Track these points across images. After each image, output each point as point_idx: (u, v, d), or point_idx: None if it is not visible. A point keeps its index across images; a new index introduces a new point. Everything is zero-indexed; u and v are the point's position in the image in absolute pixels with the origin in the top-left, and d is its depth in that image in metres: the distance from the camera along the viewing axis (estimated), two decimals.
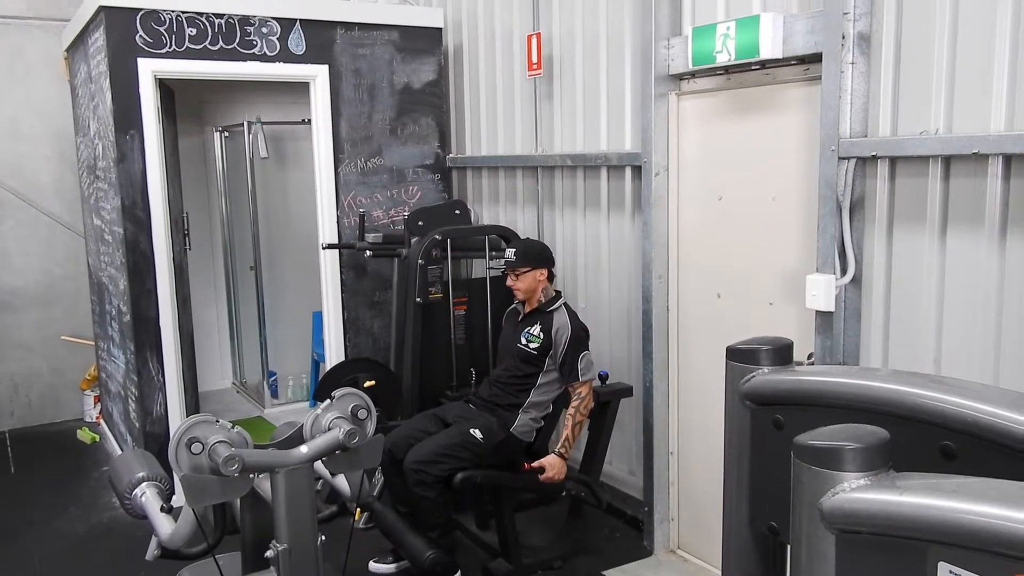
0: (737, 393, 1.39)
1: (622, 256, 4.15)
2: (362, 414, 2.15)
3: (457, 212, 4.42)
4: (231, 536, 2.30)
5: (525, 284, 3.65)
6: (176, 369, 4.52)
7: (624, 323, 4.20)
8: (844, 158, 2.96)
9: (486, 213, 5.13)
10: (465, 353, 4.28)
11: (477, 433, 3.48)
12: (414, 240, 4.26)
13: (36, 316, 5.96)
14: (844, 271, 3.03)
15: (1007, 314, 2.62)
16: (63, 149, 5.86)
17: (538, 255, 3.69)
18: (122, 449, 5.06)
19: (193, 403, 5.23)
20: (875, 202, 2.96)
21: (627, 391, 3.96)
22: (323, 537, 2.08)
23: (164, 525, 2.15)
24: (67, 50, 5.38)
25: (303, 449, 1.97)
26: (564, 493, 3.78)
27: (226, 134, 6.04)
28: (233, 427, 2.01)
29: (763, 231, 3.43)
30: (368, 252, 4.48)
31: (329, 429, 2.11)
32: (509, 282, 3.69)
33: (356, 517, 3.78)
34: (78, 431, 5.78)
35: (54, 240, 5.96)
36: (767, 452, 1.11)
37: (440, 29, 5.03)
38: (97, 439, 5.68)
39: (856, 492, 0.89)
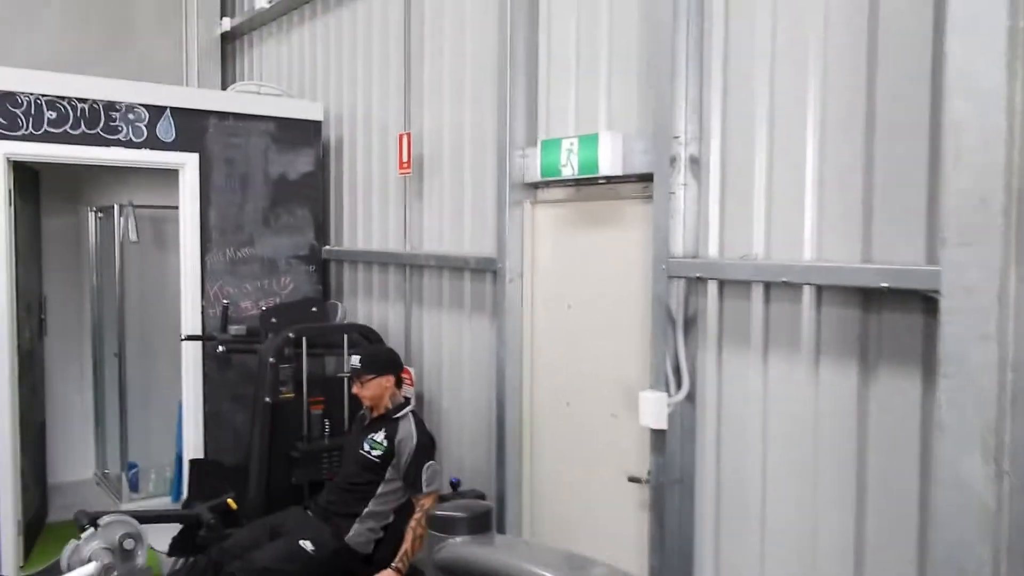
0: (432, 564, 1.33)
1: (482, 358, 4.11)
2: (129, 544, 2.01)
3: (314, 309, 4.34)
4: None
5: (371, 392, 3.57)
6: (12, 466, 4.24)
7: (484, 427, 4.13)
8: (674, 277, 3.01)
9: (360, 307, 5.06)
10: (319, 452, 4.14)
11: (308, 545, 3.33)
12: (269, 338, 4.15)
13: None
14: (679, 387, 3.05)
15: (821, 440, 2.65)
16: None
17: (384, 362, 3.63)
18: None
19: (35, 499, 4.92)
20: (706, 321, 3.01)
21: (479, 498, 3.84)
22: None
23: None
24: None
25: None
26: None
27: (100, 215, 5.87)
28: None
29: (607, 342, 3.44)
30: (220, 348, 4.35)
31: (90, 560, 1.97)
32: (355, 389, 3.61)
33: None
34: None
35: None
36: None
37: (320, 122, 5.04)
38: None
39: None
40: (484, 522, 1.33)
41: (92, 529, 2.00)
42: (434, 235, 4.39)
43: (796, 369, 2.71)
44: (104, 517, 2.02)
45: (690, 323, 3.04)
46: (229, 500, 3.71)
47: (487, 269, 3.95)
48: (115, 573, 1.87)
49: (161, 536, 4.02)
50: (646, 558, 3.16)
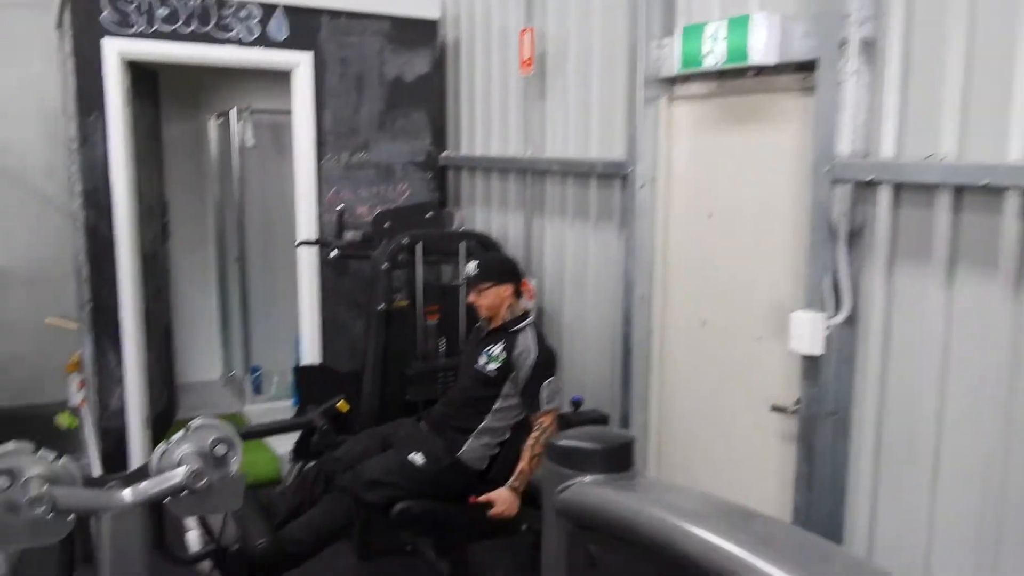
0: (552, 504, 1.04)
1: (608, 271, 3.80)
2: (220, 450, 1.85)
3: (429, 214, 4.10)
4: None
5: (488, 301, 3.32)
6: (137, 362, 4.30)
7: (608, 344, 3.85)
8: (839, 181, 2.57)
9: (479, 216, 4.81)
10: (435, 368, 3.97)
11: (418, 458, 3.17)
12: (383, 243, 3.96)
13: (23, 297, 5.82)
14: (838, 309, 2.65)
15: (1020, 376, 2.22)
16: (56, 129, 5.69)
17: (502, 270, 3.36)
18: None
19: (164, 397, 5.03)
20: (875, 233, 2.58)
21: (602, 420, 3.60)
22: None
23: None
24: (57, 27, 5.21)
25: (126, 493, 1.68)
26: (525, 527, 3.44)
27: (220, 119, 5.81)
28: (59, 458, 1.73)
29: (753, 256, 3.05)
30: (333, 252, 4.19)
31: (180, 465, 1.82)
32: (471, 298, 3.37)
33: None
34: (57, 416, 5.61)
35: (45, 220, 5.80)
36: None
37: (436, 21, 4.73)
38: (75, 425, 5.50)
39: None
40: (624, 457, 1.02)
41: (182, 433, 1.83)
42: (558, 138, 4.05)
43: (990, 291, 2.27)
44: (195, 420, 1.85)
45: (855, 235, 2.62)
46: (340, 403, 3.59)
47: (616, 174, 3.60)
48: (205, 479, 1.69)
49: (285, 440, 4.01)
50: (790, 495, 2.83)
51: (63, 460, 1.73)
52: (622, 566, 0.81)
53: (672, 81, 3.30)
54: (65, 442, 5.27)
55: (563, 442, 1.01)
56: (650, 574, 0.80)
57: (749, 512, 0.97)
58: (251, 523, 2.89)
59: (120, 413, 4.27)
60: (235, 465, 1.88)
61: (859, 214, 2.61)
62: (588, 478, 0.98)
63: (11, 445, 1.70)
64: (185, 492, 1.78)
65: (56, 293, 5.84)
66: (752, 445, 3.09)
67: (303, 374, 4.15)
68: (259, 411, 5.54)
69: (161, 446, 1.85)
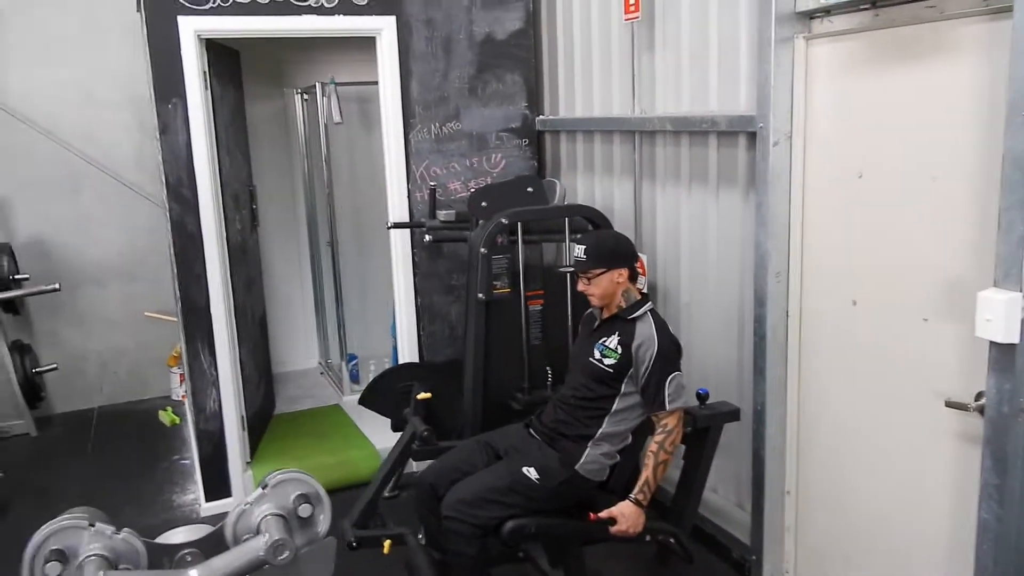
0: None
1: (732, 244, 3.35)
2: (305, 510, 1.54)
3: (530, 189, 3.70)
4: None
5: (600, 289, 2.91)
6: (231, 362, 4.11)
7: (735, 328, 3.41)
8: None
9: (580, 185, 4.40)
10: (540, 357, 3.62)
11: (532, 473, 2.82)
12: (480, 225, 3.60)
13: (120, 291, 5.79)
14: None
15: None
16: (143, 116, 5.57)
17: (614, 252, 2.94)
18: None
19: (260, 391, 4.87)
20: None
21: (733, 414, 3.18)
22: None
23: None
24: (138, 9, 5.02)
25: (192, 574, 1.39)
26: (648, 539, 3.07)
27: (305, 97, 5.55)
28: (119, 531, 1.45)
29: (918, 222, 2.55)
30: (428, 237, 3.87)
31: (259, 531, 1.52)
32: (581, 287, 2.97)
33: (385, 549, 3.21)
34: (160, 412, 5.58)
35: (136, 211, 5.72)
36: None
37: None
38: (178, 421, 5.45)
39: None
40: None
41: (261, 490, 1.52)
42: (669, 93, 3.58)
43: None
44: (274, 474, 1.54)
45: None
46: (421, 394, 3.32)
47: (741, 131, 3.12)
48: (287, 552, 1.38)
49: (385, 436, 3.77)
50: (972, 508, 2.36)
51: (123, 533, 1.46)
52: None
53: (810, 15, 2.79)
54: (170, 439, 5.22)
55: None
56: None
57: None
58: None
59: (217, 415, 4.10)
60: (323, 525, 1.58)
61: None
62: None
63: (66, 518, 1.43)
64: (266, 566, 1.48)
65: (154, 285, 5.78)
66: (920, 447, 2.62)
67: (398, 375, 3.81)
68: (357, 402, 5.34)
69: (237, 507, 1.56)
